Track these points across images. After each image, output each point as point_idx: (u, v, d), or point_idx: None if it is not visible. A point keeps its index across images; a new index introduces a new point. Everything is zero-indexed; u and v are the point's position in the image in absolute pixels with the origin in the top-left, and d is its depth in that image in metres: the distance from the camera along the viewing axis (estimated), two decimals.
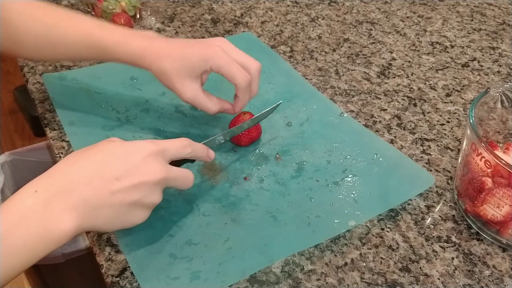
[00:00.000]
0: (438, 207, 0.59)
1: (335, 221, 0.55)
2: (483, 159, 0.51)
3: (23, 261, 0.38)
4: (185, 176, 0.49)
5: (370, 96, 0.76)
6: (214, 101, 0.61)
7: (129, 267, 0.48)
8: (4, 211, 0.38)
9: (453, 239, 0.55)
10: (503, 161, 0.49)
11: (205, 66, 0.57)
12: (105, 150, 0.44)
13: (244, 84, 0.58)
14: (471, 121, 0.53)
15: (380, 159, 0.63)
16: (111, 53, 0.59)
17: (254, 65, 0.59)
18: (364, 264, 0.51)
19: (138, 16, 0.85)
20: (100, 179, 0.42)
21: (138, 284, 0.47)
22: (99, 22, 0.60)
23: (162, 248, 0.50)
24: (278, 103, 0.65)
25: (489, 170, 0.52)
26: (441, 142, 0.68)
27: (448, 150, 0.67)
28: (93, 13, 0.86)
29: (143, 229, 0.50)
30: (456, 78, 0.82)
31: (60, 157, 0.61)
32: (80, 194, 0.41)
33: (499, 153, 0.58)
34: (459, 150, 0.67)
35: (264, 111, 0.63)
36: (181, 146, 0.49)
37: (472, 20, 0.99)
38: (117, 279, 0.48)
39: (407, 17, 0.98)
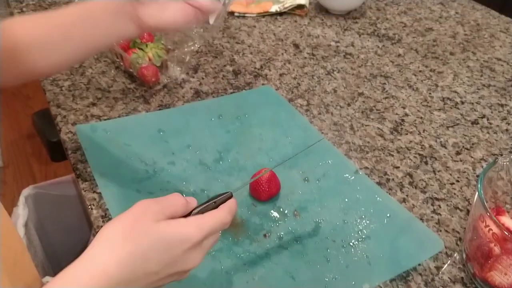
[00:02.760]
0: (448, 268, 0.62)
1: (351, 283, 0.58)
2: (491, 231, 0.55)
3: None
4: (214, 243, 0.49)
5: (384, 153, 0.79)
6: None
7: None
8: None
9: None
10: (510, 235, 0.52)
11: None
12: (150, 239, 0.43)
13: None
14: (480, 194, 0.56)
15: (393, 220, 0.67)
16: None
17: None
18: None
19: (164, 67, 0.90)
20: (142, 275, 0.43)
21: None
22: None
23: None
24: (320, 139, 0.66)
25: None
26: (451, 201, 0.72)
27: (457, 210, 0.70)
28: (121, 63, 0.91)
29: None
30: (465, 135, 0.85)
31: (91, 208, 0.65)
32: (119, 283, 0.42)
33: (506, 219, 0.61)
34: (468, 210, 0.70)
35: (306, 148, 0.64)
36: (222, 225, 0.47)
37: (481, 76, 1.03)
38: None
39: (420, 71, 1.02)
